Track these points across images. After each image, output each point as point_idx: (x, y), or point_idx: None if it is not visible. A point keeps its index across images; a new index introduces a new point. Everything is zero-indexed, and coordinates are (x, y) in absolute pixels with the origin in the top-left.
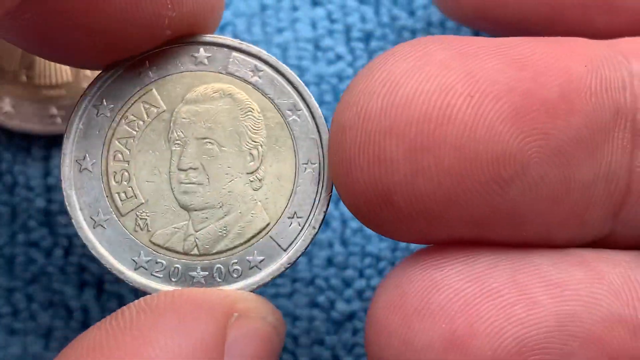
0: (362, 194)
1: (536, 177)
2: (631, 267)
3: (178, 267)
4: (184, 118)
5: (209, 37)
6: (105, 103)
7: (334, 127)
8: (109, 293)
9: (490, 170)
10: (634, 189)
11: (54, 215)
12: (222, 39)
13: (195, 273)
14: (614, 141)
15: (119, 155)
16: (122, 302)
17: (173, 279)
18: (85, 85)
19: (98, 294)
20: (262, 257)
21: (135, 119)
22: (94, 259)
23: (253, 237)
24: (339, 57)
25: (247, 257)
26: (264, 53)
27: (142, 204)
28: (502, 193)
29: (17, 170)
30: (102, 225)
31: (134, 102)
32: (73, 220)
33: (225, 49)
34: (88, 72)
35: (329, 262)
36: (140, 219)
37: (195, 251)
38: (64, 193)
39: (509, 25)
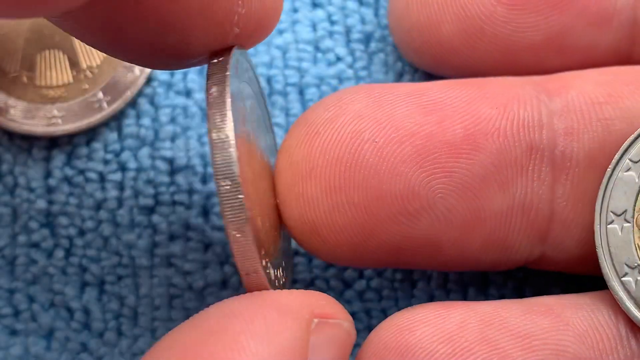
0: (295, 226)
1: (444, 210)
2: (592, 309)
3: None
4: None
5: None
6: None
7: (275, 170)
8: (110, 294)
9: (396, 206)
10: (557, 219)
11: (55, 216)
12: None
13: None
14: (529, 175)
15: None
16: (123, 302)
17: None
18: (85, 86)
19: (99, 295)
20: None
21: None
22: (95, 260)
23: None
24: (339, 59)
25: None
26: None
27: None
28: (411, 224)
29: (18, 172)
30: None
31: None
32: None
33: None
34: (89, 73)
35: (329, 263)
36: None
37: None
38: None
39: (466, 70)
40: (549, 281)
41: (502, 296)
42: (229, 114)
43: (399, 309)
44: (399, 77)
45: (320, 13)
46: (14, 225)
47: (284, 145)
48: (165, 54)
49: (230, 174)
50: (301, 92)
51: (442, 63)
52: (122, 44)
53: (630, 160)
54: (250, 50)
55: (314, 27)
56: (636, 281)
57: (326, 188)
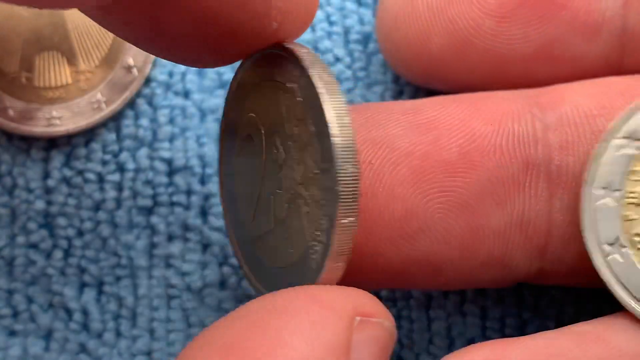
0: None
1: (442, 230)
2: (633, 328)
3: None
4: None
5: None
6: None
7: None
8: (108, 294)
9: (395, 228)
10: (555, 233)
11: (54, 217)
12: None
13: None
14: (526, 191)
15: None
16: (122, 303)
17: None
18: (84, 87)
19: (98, 296)
20: None
21: None
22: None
23: None
24: (337, 59)
25: None
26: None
27: None
28: (410, 246)
29: (17, 172)
30: None
31: None
32: None
33: None
34: (88, 74)
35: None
36: None
37: None
38: None
39: (457, 84)
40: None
41: (500, 297)
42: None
43: (397, 310)
44: (396, 78)
45: (318, 13)
46: (12, 226)
47: None
48: (202, 49)
49: (351, 159)
50: None
51: (432, 76)
52: (160, 39)
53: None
54: None
55: (312, 27)
56: (622, 254)
57: None
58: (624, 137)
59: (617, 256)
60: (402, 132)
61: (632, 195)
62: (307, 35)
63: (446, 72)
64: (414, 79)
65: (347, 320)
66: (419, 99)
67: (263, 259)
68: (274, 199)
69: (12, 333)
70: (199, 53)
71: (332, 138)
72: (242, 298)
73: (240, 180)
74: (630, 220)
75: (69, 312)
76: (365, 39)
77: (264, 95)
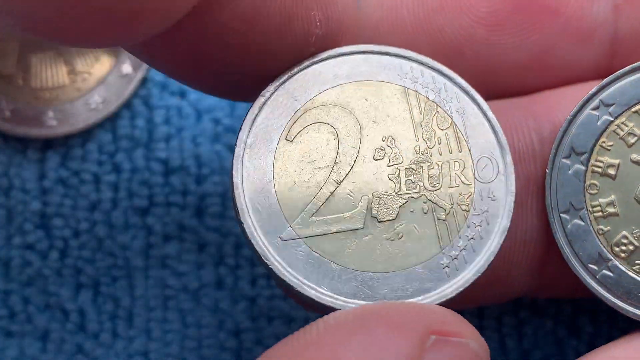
0: None
1: None
2: None
3: None
4: None
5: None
6: None
7: None
8: (105, 295)
9: None
10: (554, 250)
11: (50, 217)
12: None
13: None
14: (528, 208)
15: None
16: (118, 304)
17: None
18: (81, 87)
19: (94, 296)
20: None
21: None
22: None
23: None
24: None
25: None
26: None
27: None
28: None
29: (13, 173)
30: None
31: None
32: None
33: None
34: (86, 75)
35: None
36: None
37: None
38: None
39: None
40: None
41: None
42: None
43: None
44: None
45: None
46: (8, 226)
47: None
48: (242, 80)
49: None
50: None
51: None
52: (200, 73)
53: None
54: None
55: None
56: (610, 268)
57: None
58: (567, 155)
59: (605, 272)
60: None
61: (596, 209)
62: None
63: None
64: None
65: (417, 339)
66: None
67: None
68: (369, 198)
69: (9, 334)
70: (239, 84)
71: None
72: (239, 298)
73: (290, 165)
74: (604, 233)
75: (65, 312)
76: None
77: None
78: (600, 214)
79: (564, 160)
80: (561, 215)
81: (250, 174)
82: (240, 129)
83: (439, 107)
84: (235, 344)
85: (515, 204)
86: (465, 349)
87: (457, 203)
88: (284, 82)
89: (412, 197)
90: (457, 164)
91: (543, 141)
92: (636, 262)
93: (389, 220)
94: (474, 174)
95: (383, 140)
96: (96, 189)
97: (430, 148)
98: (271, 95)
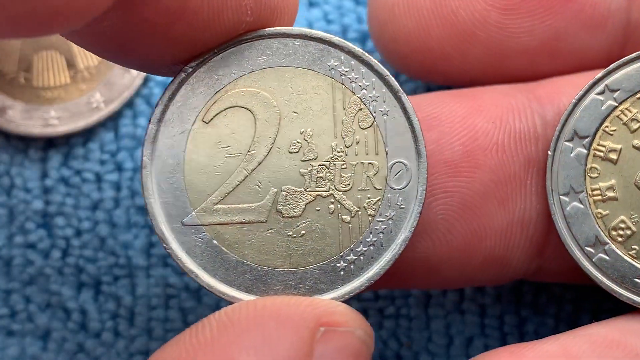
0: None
1: (444, 230)
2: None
3: None
4: None
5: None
6: None
7: None
8: (106, 294)
9: None
10: (554, 231)
11: (52, 216)
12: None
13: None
14: (527, 189)
15: None
16: (119, 303)
17: None
18: (83, 86)
19: (96, 295)
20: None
21: None
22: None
23: None
24: None
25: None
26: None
27: None
28: (411, 247)
29: (15, 172)
30: None
31: None
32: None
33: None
34: (86, 73)
35: None
36: None
37: None
38: None
39: (456, 77)
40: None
41: (499, 295)
42: None
43: (395, 308)
44: (395, 76)
45: (316, 12)
46: (10, 225)
47: None
48: (174, 48)
49: None
50: None
51: (431, 70)
52: (130, 58)
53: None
54: None
55: (310, 26)
56: (606, 252)
57: None
58: (570, 139)
59: (602, 255)
60: None
61: (595, 192)
62: None
63: (446, 66)
64: (411, 73)
65: (307, 332)
66: (418, 95)
67: (232, 252)
68: (277, 192)
69: (10, 333)
70: (171, 53)
71: (421, 156)
72: None
73: (203, 149)
74: (603, 217)
75: (67, 311)
76: (363, 38)
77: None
78: (599, 197)
79: (567, 143)
80: (561, 197)
81: (162, 153)
82: (157, 105)
83: (363, 105)
84: None
85: (421, 215)
86: (352, 336)
87: (365, 207)
88: (207, 60)
89: (321, 195)
90: (371, 166)
91: (546, 124)
92: (633, 246)
93: (294, 216)
94: (387, 180)
95: (301, 134)
96: (98, 188)
97: (347, 147)
98: (192, 73)
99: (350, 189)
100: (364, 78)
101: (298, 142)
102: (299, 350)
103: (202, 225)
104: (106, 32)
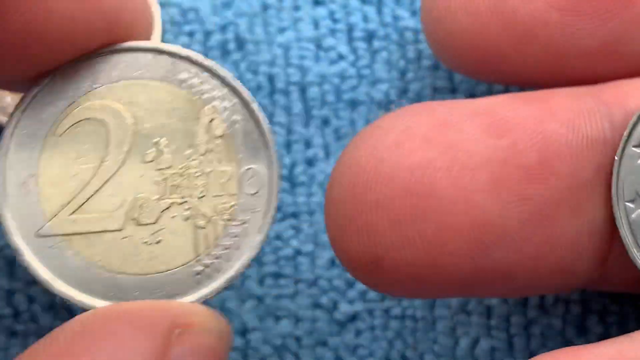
0: (354, 259)
1: (519, 240)
2: None
3: None
4: None
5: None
6: None
7: (327, 198)
8: None
9: (472, 238)
10: (617, 238)
11: None
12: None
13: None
14: (597, 197)
15: None
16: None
17: None
18: None
19: None
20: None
21: None
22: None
23: None
24: (341, 57)
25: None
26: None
27: None
28: (485, 256)
29: None
30: None
31: None
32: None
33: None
34: None
35: (332, 262)
36: None
37: None
38: None
39: (511, 77)
40: None
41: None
42: None
43: (401, 309)
44: (401, 75)
45: (322, 11)
46: None
47: (336, 173)
48: (25, 67)
49: None
50: (303, 91)
51: (486, 69)
52: None
53: None
54: (252, 48)
55: (316, 25)
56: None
57: (395, 220)
58: (638, 144)
59: None
60: (479, 136)
61: None
62: (309, 33)
63: (502, 65)
64: (464, 70)
65: (160, 335)
66: (487, 97)
67: (84, 259)
68: (132, 200)
69: (13, 333)
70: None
71: (273, 169)
72: (246, 297)
73: (57, 160)
74: None
75: (70, 312)
76: (370, 36)
77: (140, 91)
78: None
79: (634, 149)
80: (626, 204)
81: (14, 166)
82: (11, 118)
83: (216, 115)
84: (242, 343)
85: (273, 218)
86: (207, 334)
87: (219, 213)
88: (59, 73)
89: (176, 202)
90: (224, 173)
91: (614, 129)
92: None
93: (149, 223)
94: (240, 186)
95: (155, 144)
96: None
97: (201, 155)
98: (44, 86)
99: (204, 196)
100: (215, 89)
101: (152, 152)
102: (154, 354)
103: (57, 235)
104: None
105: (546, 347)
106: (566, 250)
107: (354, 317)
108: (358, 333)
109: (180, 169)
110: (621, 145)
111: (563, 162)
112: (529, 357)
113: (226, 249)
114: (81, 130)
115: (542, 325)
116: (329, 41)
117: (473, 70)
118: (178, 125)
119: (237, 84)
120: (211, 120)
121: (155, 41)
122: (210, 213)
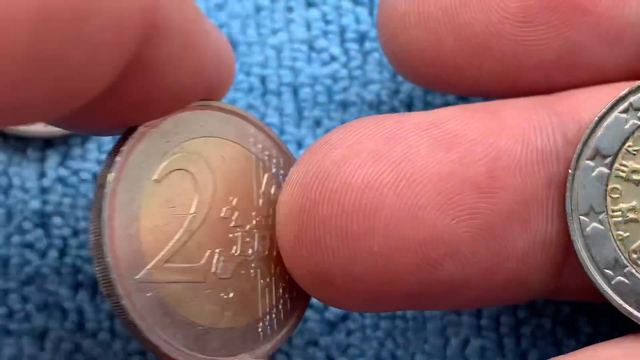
0: (306, 276)
1: (467, 254)
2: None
3: None
4: None
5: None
6: None
7: (277, 216)
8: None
9: (419, 253)
10: (573, 251)
11: (49, 216)
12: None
13: None
14: (549, 210)
15: None
16: (117, 303)
17: None
18: None
19: (93, 295)
20: None
21: None
22: None
23: None
24: (333, 58)
25: None
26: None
27: None
28: (434, 271)
29: (13, 172)
30: None
31: None
32: None
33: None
34: None
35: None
36: None
37: None
38: None
39: (467, 89)
40: None
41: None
42: None
43: None
44: (393, 77)
45: (314, 12)
46: (7, 225)
47: (287, 190)
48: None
49: None
50: (295, 92)
51: (442, 81)
52: (87, 127)
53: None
54: (244, 50)
55: (308, 26)
56: (626, 275)
57: (342, 237)
58: (592, 157)
59: (621, 278)
60: (427, 150)
61: (616, 213)
62: (302, 35)
63: (458, 77)
64: (421, 82)
65: None
66: (437, 110)
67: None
68: (216, 254)
69: (7, 333)
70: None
71: None
72: None
73: (153, 209)
74: (623, 239)
75: (64, 312)
76: (362, 38)
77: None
78: (620, 219)
79: (588, 162)
80: (580, 217)
81: (121, 208)
82: (113, 161)
83: (275, 179)
84: None
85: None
86: None
87: (278, 272)
88: (160, 122)
89: (247, 259)
90: None
91: (567, 142)
92: None
93: (226, 278)
94: None
95: (230, 200)
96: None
97: (264, 217)
98: (145, 133)
99: (267, 254)
100: (273, 158)
101: (229, 209)
102: None
103: (152, 282)
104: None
105: (536, 347)
106: (518, 263)
107: (344, 317)
108: (349, 333)
109: (251, 228)
110: (574, 158)
111: (513, 176)
112: (519, 357)
113: (283, 306)
114: (175, 178)
115: (533, 325)
116: (321, 43)
117: (430, 83)
118: (247, 185)
119: (290, 153)
120: (274, 184)
121: (232, 105)
122: (273, 269)
